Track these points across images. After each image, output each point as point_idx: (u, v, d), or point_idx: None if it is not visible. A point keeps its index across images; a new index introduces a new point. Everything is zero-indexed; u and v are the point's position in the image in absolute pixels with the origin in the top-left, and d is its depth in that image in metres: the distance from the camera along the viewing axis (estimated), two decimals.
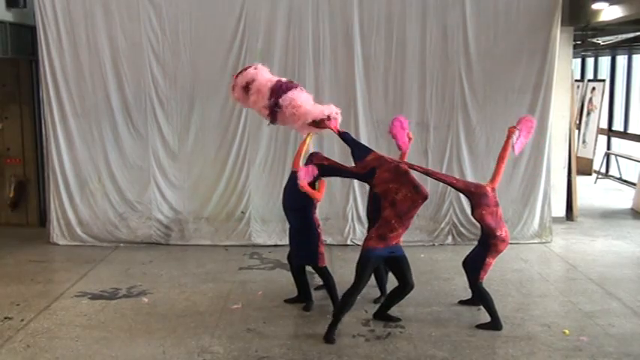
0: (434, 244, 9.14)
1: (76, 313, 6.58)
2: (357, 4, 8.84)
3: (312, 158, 6.37)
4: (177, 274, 7.86)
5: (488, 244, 6.20)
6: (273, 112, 6.31)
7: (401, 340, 5.95)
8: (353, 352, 5.71)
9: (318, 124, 6.26)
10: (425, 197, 5.85)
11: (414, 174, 6.05)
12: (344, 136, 6.32)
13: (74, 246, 9.07)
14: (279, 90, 6.29)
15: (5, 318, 6.44)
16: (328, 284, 6.60)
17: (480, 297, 6.32)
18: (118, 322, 6.37)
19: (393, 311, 6.46)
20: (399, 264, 6.16)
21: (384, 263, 6.37)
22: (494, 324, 6.18)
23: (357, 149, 6.27)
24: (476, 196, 6.14)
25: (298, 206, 6.44)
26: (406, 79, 8.98)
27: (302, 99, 6.25)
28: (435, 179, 6.56)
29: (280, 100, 6.21)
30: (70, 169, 9.10)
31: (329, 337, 5.92)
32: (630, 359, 5.58)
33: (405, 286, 6.22)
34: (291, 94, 6.24)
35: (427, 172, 6.44)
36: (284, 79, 6.46)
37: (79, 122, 9.01)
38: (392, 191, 5.86)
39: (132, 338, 5.98)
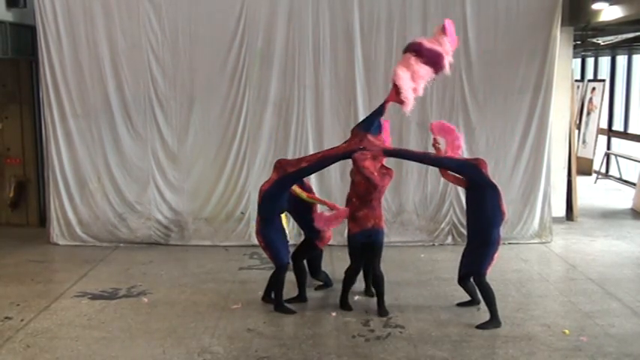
0: (434, 244, 9.14)
1: (76, 313, 6.58)
2: (357, 4, 8.84)
3: (277, 165, 6.59)
4: (178, 275, 7.86)
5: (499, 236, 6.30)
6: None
7: (401, 340, 5.95)
8: (353, 352, 5.71)
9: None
10: (375, 187, 6.31)
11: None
12: (379, 110, 6.59)
13: (74, 246, 9.07)
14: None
15: (5, 318, 6.44)
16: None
17: (483, 292, 6.31)
18: (118, 322, 6.37)
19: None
20: (371, 251, 6.53)
21: (361, 248, 6.57)
22: (494, 322, 6.19)
23: (368, 123, 6.57)
24: (483, 164, 6.33)
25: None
26: None
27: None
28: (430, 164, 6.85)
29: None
30: (70, 170, 9.10)
31: (344, 306, 6.65)
32: (630, 359, 5.58)
33: (373, 276, 6.66)
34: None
35: (421, 160, 6.99)
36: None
37: (78, 122, 9.01)
38: (353, 172, 6.44)
39: (132, 338, 5.98)
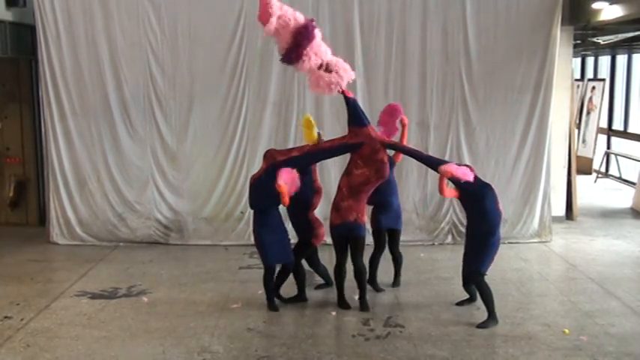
0: (434, 244, 9.14)
1: (75, 313, 6.58)
2: (357, 4, 8.83)
3: (266, 155, 6.57)
4: (177, 274, 7.85)
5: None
6: (291, 57, 6.19)
7: (401, 339, 5.94)
8: (353, 351, 5.71)
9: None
10: (382, 178, 6.35)
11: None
12: (348, 100, 6.49)
13: (74, 245, 9.07)
14: (305, 37, 6.16)
15: (5, 317, 6.44)
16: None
17: (482, 292, 6.31)
18: (118, 321, 6.36)
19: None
20: (353, 245, 6.51)
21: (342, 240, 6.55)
22: (492, 321, 6.22)
23: (356, 117, 6.49)
24: (472, 169, 6.31)
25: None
26: (406, 78, 8.98)
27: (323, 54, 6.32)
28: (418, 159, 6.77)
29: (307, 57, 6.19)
30: (70, 169, 9.10)
31: (342, 304, 6.59)
32: (630, 358, 5.58)
33: (354, 269, 6.56)
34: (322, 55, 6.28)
35: (413, 155, 6.74)
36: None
37: (78, 122, 9.01)
38: (355, 163, 6.33)
39: (132, 338, 5.98)
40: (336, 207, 6.49)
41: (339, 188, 6.50)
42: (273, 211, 6.56)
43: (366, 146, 6.34)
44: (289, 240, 6.72)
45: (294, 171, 6.28)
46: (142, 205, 9.12)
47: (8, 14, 9.01)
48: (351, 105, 6.54)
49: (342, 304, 6.64)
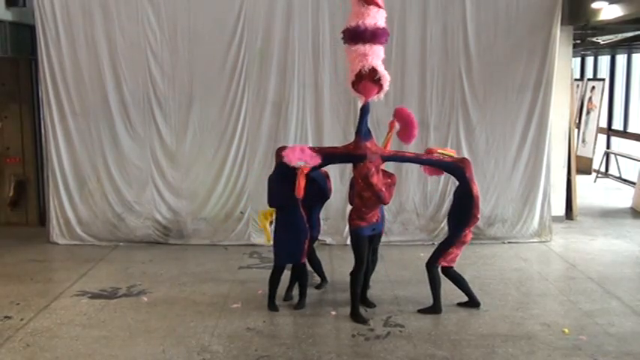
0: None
1: (75, 313, 6.58)
2: None
3: (279, 153, 6.49)
4: (177, 274, 7.85)
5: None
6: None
7: (400, 339, 5.95)
8: (352, 351, 5.71)
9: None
10: (384, 202, 6.36)
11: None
12: (364, 108, 6.40)
13: (74, 245, 9.06)
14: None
15: (5, 317, 6.44)
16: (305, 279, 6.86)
17: (430, 278, 6.53)
18: (118, 321, 6.37)
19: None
20: (373, 241, 6.57)
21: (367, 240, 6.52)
22: (435, 308, 6.47)
23: (364, 127, 6.41)
24: (468, 166, 6.42)
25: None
26: (406, 78, 8.97)
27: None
28: (423, 163, 6.79)
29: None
30: (70, 169, 9.09)
31: (358, 318, 6.32)
32: (630, 358, 5.58)
33: (373, 261, 6.75)
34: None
35: (413, 161, 6.91)
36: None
37: (77, 122, 9.00)
38: (361, 187, 6.26)
39: (131, 337, 5.98)
40: (359, 217, 6.33)
41: (359, 208, 6.35)
42: (292, 210, 6.40)
43: (369, 162, 6.24)
44: (304, 240, 6.53)
45: (304, 149, 6.29)
46: (141, 205, 9.12)
47: (8, 14, 9.02)
48: (363, 114, 6.41)
49: (359, 318, 6.35)
